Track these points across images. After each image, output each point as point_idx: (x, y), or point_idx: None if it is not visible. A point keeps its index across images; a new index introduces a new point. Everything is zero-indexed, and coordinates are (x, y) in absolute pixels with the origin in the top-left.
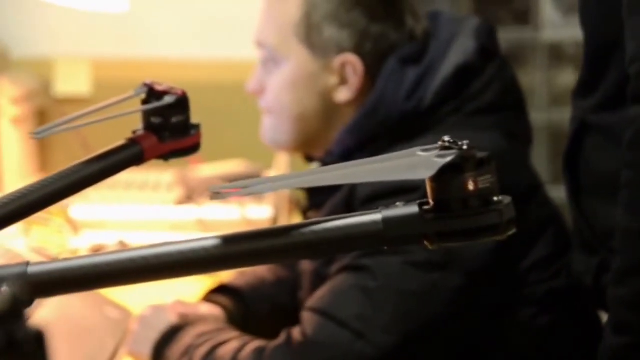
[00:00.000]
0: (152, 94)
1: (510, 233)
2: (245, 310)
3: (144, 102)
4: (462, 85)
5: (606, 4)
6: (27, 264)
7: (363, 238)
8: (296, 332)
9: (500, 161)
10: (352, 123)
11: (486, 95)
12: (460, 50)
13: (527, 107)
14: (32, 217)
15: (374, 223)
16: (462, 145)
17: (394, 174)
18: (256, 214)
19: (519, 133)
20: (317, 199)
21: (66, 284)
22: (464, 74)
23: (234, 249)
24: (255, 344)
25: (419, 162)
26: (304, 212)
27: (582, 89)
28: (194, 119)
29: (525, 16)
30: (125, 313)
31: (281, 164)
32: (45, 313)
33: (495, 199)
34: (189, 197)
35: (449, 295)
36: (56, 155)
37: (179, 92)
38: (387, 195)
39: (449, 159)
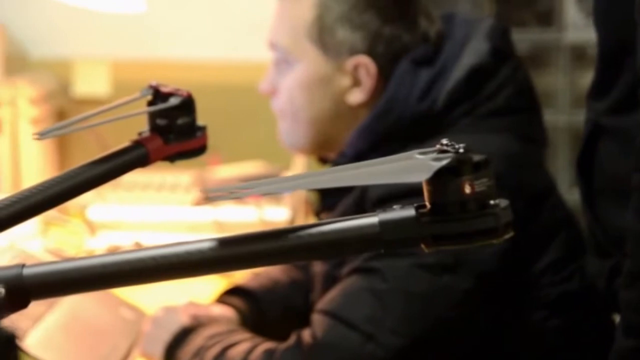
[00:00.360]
0: (158, 95)
1: (507, 237)
2: (258, 311)
3: (150, 103)
4: (475, 87)
5: (619, 6)
6: (23, 265)
7: (360, 241)
8: (306, 334)
9: (512, 163)
10: (364, 125)
11: (499, 97)
12: (473, 51)
13: (541, 108)
14: (50, 218)
15: (371, 226)
16: (459, 148)
17: (390, 176)
18: (273, 215)
19: (533, 135)
20: (329, 200)
21: (61, 286)
22: (477, 76)
23: (230, 252)
24: (266, 345)
25: (416, 165)
26: (317, 214)
27: (596, 92)
28: (212, 121)
29: (548, 18)
30: (139, 314)
31: (299, 165)
32: (58, 314)
33: (492, 202)
34: (207, 199)
35: (458, 297)
36: (74, 155)
37: (185, 93)
38: (398, 197)
39: (445, 162)
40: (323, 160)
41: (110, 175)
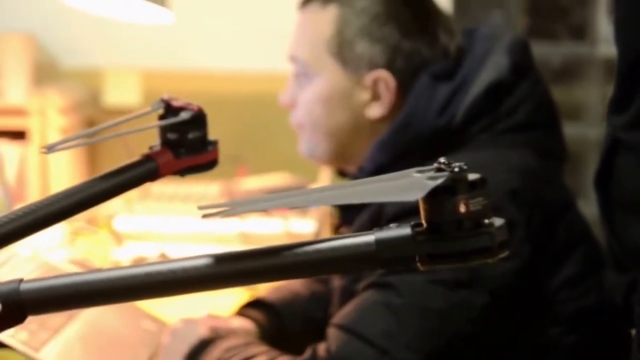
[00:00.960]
0: (169, 109)
1: (502, 256)
2: (278, 324)
3: (161, 117)
4: (494, 103)
5: (638, 20)
6: (20, 281)
7: (356, 259)
8: (321, 348)
9: (530, 179)
10: (382, 139)
11: (518, 113)
12: (493, 67)
13: (561, 123)
14: (76, 228)
15: (367, 244)
16: (454, 167)
17: (387, 195)
18: (299, 227)
19: (552, 150)
20: (348, 215)
21: (58, 301)
22: (496, 92)
23: (226, 268)
24: (282, 359)
25: (412, 184)
26: (337, 228)
27: (615, 106)
28: (240, 131)
29: (581, 31)
30: (161, 325)
31: (326, 177)
32: (78, 325)
33: (487, 221)
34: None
35: (474, 313)
36: (103, 164)
37: (196, 108)
38: (413, 213)
39: (439, 181)
40: (342, 173)
41: (120, 189)
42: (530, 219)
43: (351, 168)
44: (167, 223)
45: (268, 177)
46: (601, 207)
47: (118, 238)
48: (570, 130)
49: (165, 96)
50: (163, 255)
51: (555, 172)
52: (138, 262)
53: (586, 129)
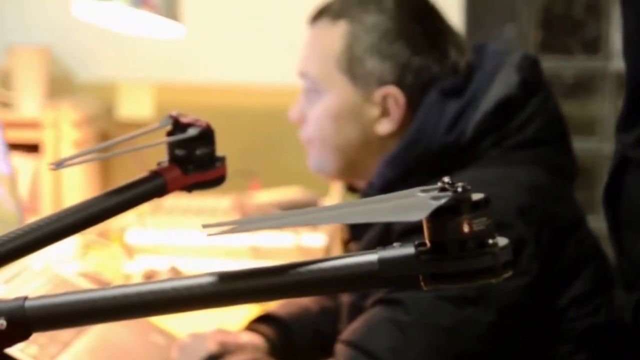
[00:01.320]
0: (177, 125)
1: (506, 276)
2: (287, 339)
3: (169, 133)
4: (504, 119)
5: None
6: (25, 298)
7: (359, 278)
8: None
9: (539, 195)
10: (392, 155)
11: (528, 129)
12: (502, 83)
13: (571, 140)
14: (88, 241)
15: (370, 263)
16: (458, 187)
17: (390, 215)
18: (310, 241)
19: (562, 167)
20: (357, 230)
21: (62, 319)
22: (505, 108)
23: (230, 287)
24: None
25: (415, 204)
26: (346, 243)
27: (623, 123)
28: (252, 145)
29: (594, 45)
30: (170, 339)
31: (336, 192)
32: (87, 339)
33: (491, 241)
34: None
35: (481, 330)
36: (117, 177)
37: (204, 124)
38: (421, 230)
39: (443, 201)
40: (352, 188)
41: (128, 205)
42: (539, 235)
43: (360, 183)
44: (178, 236)
45: (280, 191)
46: (610, 224)
47: (129, 251)
48: (584, 145)
49: (174, 112)
50: (173, 269)
51: (565, 188)
52: (149, 276)
53: (599, 144)
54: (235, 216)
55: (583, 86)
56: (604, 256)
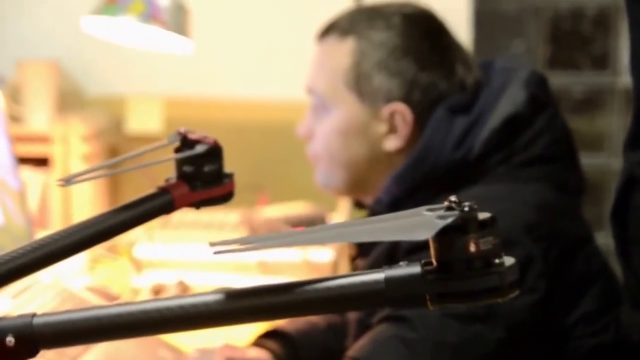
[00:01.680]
0: (185, 142)
1: (512, 295)
2: (294, 355)
3: (177, 150)
4: (511, 136)
5: None
6: (33, 315)
7: (365, 297)
8: None
9: (546, 213)
10: (399, 172)
11: (535, 146)
12: (510, 100)
13: (578, 156)
14: (97, 255)
15: (376, 282)
16: (465, 206)
17: (396, 234)
18: (318, 256)
19: (569, 184)
20: (364, 247)
21: (70, 336)
22: (513, 125)
23: (236, 305)
24: None
25: (421, 223)
26: (353, 259)
27: (631, 141)
28: (260, 160)
29: (603, 61)
30: (177, 355)
31: (345, 207)
32: (95, 354)
33: (497, 260)
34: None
35: (489, 348)
36: (125, 192)
37: (212, 141)
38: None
39: (449, 220)
40: (359, 204)
41: (136, 222)
42: (547, 253)
43: (367, 199)
44: (186, 251)
45: (288, 205)
46: (617, 242)
47: (138, 266)
48: (592, 161)
49: (182, 128)
50: (181, 283)
51: (572, 205)
52: (157, 290)
53: (608, 159)
54: (243, 231)
55: (591, 102)
56: (612, 273)
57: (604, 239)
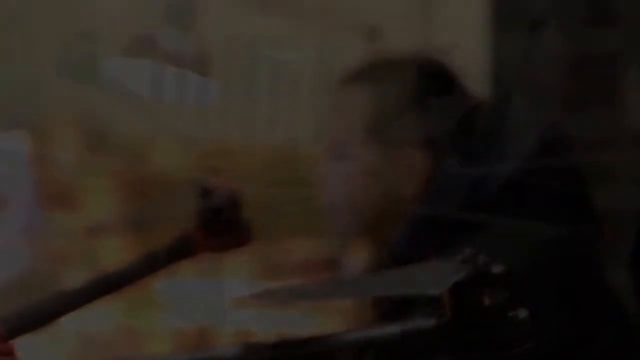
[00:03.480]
0: (206, 191)
1: (526, 347)
2: None
3: (198, 198)
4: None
5: None
6: None
7: (379, 349)
8: None
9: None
10: (415, 216)
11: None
12: (523, 145)
13: (592, 200)
14: None
15: (391, 335)
16: (479, 260)
17: (409, 288)
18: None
19: (584, 224)
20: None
21: None
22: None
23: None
24: None
25: (435, 276)
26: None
27: None
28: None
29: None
30: None
31: (358, 249)
32: None
33: (510, 314)
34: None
35: None
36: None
37: (231, 191)
38: None
39: (463, 274)
40: (374, 243)
41: (157, 268)
42: None
43: (380, 238)
44: None
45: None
46: (637, 287)
47: None
48: (606, 200)
49: (203, 178)
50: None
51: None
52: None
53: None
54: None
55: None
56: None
57: None
